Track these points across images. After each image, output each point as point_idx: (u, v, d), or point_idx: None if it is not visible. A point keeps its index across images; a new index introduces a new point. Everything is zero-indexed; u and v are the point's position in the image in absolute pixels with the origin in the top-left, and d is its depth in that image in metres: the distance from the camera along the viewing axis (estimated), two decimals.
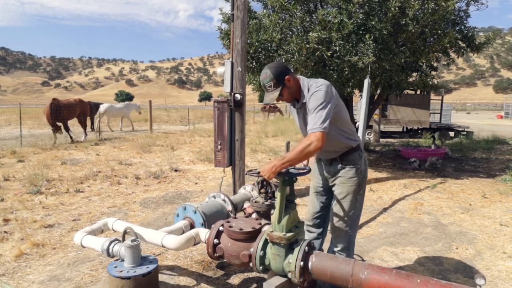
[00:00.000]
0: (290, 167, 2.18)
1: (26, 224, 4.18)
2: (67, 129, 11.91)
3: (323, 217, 2.65)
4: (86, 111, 12.87)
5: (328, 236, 2.81)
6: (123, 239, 2.65)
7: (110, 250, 2.58)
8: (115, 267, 2.43)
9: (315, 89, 2.19)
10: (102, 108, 15.58)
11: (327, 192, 2.57)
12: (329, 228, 2.71)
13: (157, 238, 2.63)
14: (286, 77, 2.22)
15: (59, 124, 11.65)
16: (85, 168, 7.42)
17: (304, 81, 2.30)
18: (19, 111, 12.61)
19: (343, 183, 2.40)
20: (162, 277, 2.94)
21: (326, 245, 2.78)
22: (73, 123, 13.89)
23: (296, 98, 2.35)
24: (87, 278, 2.98)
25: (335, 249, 2.50)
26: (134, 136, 14.00)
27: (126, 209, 4.93)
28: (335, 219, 2.45)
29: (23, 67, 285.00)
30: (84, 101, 13.11)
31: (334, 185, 2.47)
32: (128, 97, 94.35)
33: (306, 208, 2.74)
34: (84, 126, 12.75)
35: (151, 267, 2.44)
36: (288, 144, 2.25)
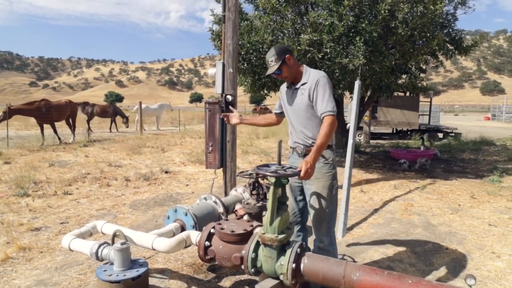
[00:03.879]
0: (280, 169, 2.18)
1: (12, 227, 4.09)
2: (54, 130, 11.74)
3: (300, 214, 2.69)
4: (75, 113, 12.71)
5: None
6: (113, 242, 2.61)
7: (99, 254, 2.53)
8: (104, 270, 2.38)
9: (320, 75, 2.45)
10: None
11: (302, 188, 2.62)
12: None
13: (147, 241, 2.59)
14: (287, 55, 2.46)
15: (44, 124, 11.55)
16: (73, 170, 7.30)
17: (306, 67, 2.57)
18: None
19: (318, 179, 2.45)
20: (152, 281, 2.90)
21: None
22: (61, 124, 13.70)
23: (294, 80, 2.55)
24: (75, 283, 2.92)
25: (321, 245, 2.54)
26: (123, 137, 13.85)
27: (115, 212, 4.86)
28: (316, 215, 2.51)
29: (10, 67, 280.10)
30: (73, 102, 12.94)
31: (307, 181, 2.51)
32: (118, 98, 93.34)
33: None
34: (72, 127, 12.56)
35: (141, 270, 2.40)
36: (280, 143, 2.24)
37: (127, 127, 17.65)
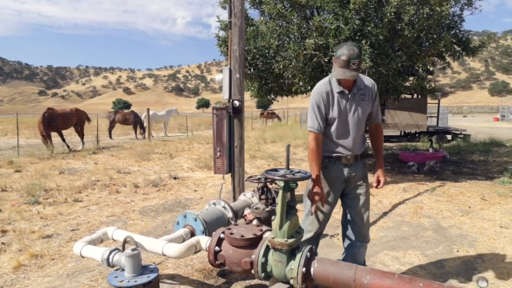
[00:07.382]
0: (289, 173, 2.18)
1: (24, 235, 4.14)
2: (62, 138, 11.87)
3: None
4: (83, 120, 12.83)
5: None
6: (123, 249, 2.63)
7: (110, 260, 2.55)
8: (116, 277, 2.40)
9: (372, 81, 2.43)
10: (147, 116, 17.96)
11: (337, 198, 2.61)
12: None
13: (157, 246, 2.61)
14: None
15: (51, 133, 11.67)
16: (83, 177, 7.39)
17: None
18: (16, 121, 12.60)
19: (366, 182, 2.57)
20: (163, 286, 2.92)
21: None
22: (70, 132, 13.88)
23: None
24: None
25: (366, 242, 2.61)
26: (132, 144, 13.97)
27: (125, 218, 4.90)
28: (368, 215, 2.59)
29: (19, 76, 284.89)
30: (81, 110, 13.07)
31: (358, 185, 2.54)
32: (126, 105, 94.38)
33: (310, 220, 2.59)
34: (81, 135, 12.70)
35: (152, 276, 2.42)
36: (288, 147, 2.23)
37: (144, 138, 17.53)
